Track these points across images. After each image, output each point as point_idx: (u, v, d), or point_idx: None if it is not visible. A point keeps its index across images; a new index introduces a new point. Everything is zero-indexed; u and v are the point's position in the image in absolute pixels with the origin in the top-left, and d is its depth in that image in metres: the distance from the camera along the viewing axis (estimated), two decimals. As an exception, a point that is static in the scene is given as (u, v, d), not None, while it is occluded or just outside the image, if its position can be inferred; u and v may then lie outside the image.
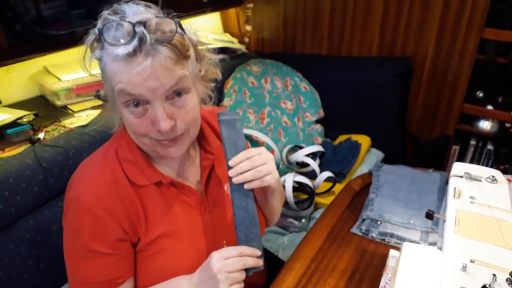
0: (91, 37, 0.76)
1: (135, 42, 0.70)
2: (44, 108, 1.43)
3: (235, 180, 0.82)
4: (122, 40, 0.71)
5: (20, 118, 1.24)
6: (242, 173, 0.82)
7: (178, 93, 0.77)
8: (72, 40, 1.44)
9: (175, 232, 0.87)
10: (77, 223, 0.81)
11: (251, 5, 2.35)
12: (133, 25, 0.71)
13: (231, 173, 0.82)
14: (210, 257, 0.81)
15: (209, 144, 0.95)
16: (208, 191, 0.93)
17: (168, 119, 0.76)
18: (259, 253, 0.83)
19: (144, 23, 0.71)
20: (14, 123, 1.22)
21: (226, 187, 0.98)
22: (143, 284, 0.87)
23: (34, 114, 1.30)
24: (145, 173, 0.84)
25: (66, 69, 1.50)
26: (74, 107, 1.46)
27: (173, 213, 0.87)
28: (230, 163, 0.83)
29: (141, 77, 0.71)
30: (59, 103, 1.45)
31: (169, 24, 0.74)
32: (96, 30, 0.74)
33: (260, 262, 0.82)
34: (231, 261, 0.79)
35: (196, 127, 0.85)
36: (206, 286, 0.80)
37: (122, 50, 0.70)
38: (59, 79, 1.44)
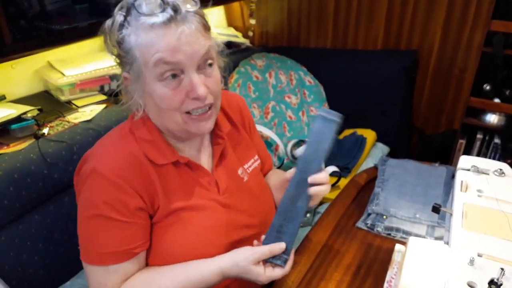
0: (118, 17, 0.80)
1: (170, 11, 0.76)
2: (48, 103, 1.42)
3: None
4: (157, 10, 0.76)
5: (25, 113, 1.24)
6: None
7: (207, 63, 0.82)
8: (76, 35, 1.44)
9: (193, 208, 0.88)
10: (95, 192, 0.81)
11: (255, -2, 2.34)
12: None
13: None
14: (258, 281, 0.83)
15: (220, 128, 0.96)
16: (220, 174, 0.95)
17: (203, 85, 0.80)
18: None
19: None
20: (18, 118, 1.22)
21: (241, 171, 0.98)
22: (156, 258, 0.87)
23: (39, 109, 1.30)
24: (163, 153, 0.86)
25: (70, 64, 1.50)
26: (78, 102, 1.45)
27: (190, 192, 0.89)
28: (310, 180, 0.86)
29: (179, 43, 0.77)
30: (63, 98, 1.45)
31: None
32: (124, 8, 0.79)
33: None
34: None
35: (219, 102, 0.89)
36: None
37: (160, 18, 0.76)
38: (63, 74, 1.43)
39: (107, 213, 0.80)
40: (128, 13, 0.78)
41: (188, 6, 0.79)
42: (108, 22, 0.82)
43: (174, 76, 0.79)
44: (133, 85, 0.84)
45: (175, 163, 0.88)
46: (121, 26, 0.79)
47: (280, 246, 0.84)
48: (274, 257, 0.84)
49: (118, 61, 0.85)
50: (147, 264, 0.88)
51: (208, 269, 0.84)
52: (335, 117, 0.87)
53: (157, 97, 0.81)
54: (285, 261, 0.85)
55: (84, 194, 0.83)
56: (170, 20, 0.76)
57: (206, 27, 0.83)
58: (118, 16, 0.80)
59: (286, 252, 0.85)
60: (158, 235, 0.87)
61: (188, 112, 0.83)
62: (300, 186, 0.87)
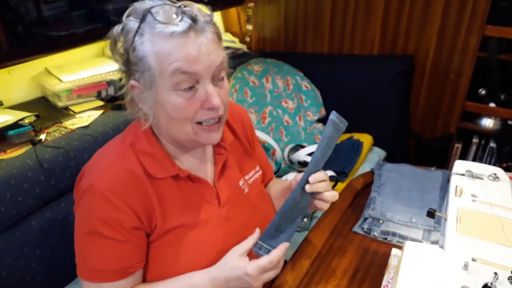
0: (131, 24, 0.78)
1: (188, 20, 0.76)
2: (46, 109, 1.43)
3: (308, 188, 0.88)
4: (175, 19, 0.75)
5: (22, 119, 1.25)
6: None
7: (220, 74, 0.82)
8: (73, 41, 1.45)
9: (191, 224, 0.87)
10: (90, 208, 0.80)
11: (252, 4, 2.35)
12: (180, 7, 0.77)
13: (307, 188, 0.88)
14: (245, 273, 0.81)
15: (223, 139, 0.95)
16: (222, 186, 0.94)
17: (218, 96, 0.80)
18: (287, 245, 0.86)
19: (188, 6, 0.78)
20: (15, 125, 1.22)
21: (242, 182, 0.98)
22: (154, 276, 0.87)
23: (36, 115, 1.31)
24: (163, 166, 0.85)
25: (67, 70, 1.50)
26: (75, 108, 1.46)
27: (189, 206, 0.88)
28: (310, 179, 0.87)
29: (197, 53, 0.76)
30: (60, 104, 1.45)
31: (206, 9, 0.82)
32: (137, 15, 0.77)
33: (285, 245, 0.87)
34: (268, 275, 0.83)
35: (227, 113, 0.88)
36: None
37: (180, 27, 0.75)
38: (60, 80, 1.44)
39: (102, 230, 0.79)
40: (143, 20, 0.77)
41: (204, 16, 0.79)
42: (117, 28, 0.80)
43: (187, 88, 0.78)
44: (142, 94, 0.81)
45: (175, 177, 0.87)
46: (135, 32, 0.77)
47: (256, 232, 0.86)
48: (257, 247, 0.86)
49: (124, 69, 0.83)
50: (144, 281, 0.88)
51: (198, 277, 0.85)
52: (344, 124, 0.91)
53: (170, 107, 0.79)
54: (268, 252, 0.85)
55: (80, 210, 0.83)
56: (189, 29, 0.75)
57: (219, 38, 0.83)
58: (131, 22, 0.78)
59: (272, 245, 0.86)
60: (155, 254, 0.86)
61: (199, 123, 0.82)
62: (304, 190, 0.89)
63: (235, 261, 0.83)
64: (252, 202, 0.98)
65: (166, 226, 0.85)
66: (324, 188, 0.89)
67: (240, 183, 0.98)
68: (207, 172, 0.95)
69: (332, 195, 0.92)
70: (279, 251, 0.84)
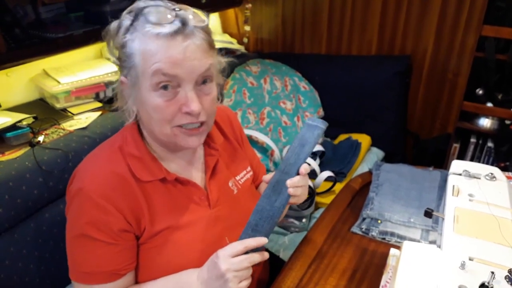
0: (125, 21, 0.80)
1: (178, 23, 0.76)
2: (44, 111, 1.43)
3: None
4: (165, 20, 0.76)
5: (20, 121, 1.24)
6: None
7: (204, 81, 0.82)
8: (71, 43, 1.45)
9: (180, 226, 0.88)
10: (79, 211, 0.82)
11: (249, 5, 2.35)
12: (174, 9, 0.78)
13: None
14: (217, 256, 0.81)
15: (213, 140, 0.97)
16: (212, 186, 0.94)
17: (198, 101, 0.79)
18: (264, 241, 0.83)
19: (183, 10, 0.79)
20: (13, 127, 1.22)
21: (231, 183, 0.99)
22: (145, 278, 0.87)
23: (34, 117, 1.30)
24: (150, 170, 0.86)
25: (65, 72, 1.50)
26: (74, 110, 1.46)
27: (178, 208, 0.89)
28: (289, 183, 0.87)
29: (181, 56, 0.76)
30: (58, 106, 1.45)
31: (202, 14, 0.82)
32: (133, 12, 0.79)
33: (265, 255, 0.84)
34: (238, 259, 0.80)
35: (212, 120, 0.88)
36: (215, 284, 0.80)
37: (167, 29, 0.76)
38: (59, 82, 1.44)
39: (91, 233, 0.80)
40: (136, 18, 0.78)
41: (197, 21, 0.79)
42: (114, 24, 0.82)
43: (165, 87, 0.78)
44: (128, 90, 0.84)
45: (163, 179, 0.87)
46: (127, 30, 0.79)
47: (259, 242, 0.82)
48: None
49: (118, 63, 0.85)
50: (137, 282, 0.88)
51: (186, 275, 0.85)
52: (320, 124, 0.91)
53: (149, 107, 0.80)
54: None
55: (70, 214, 0.84)
56: (177, 32, 0.76)
57: (211, 46, 0.82)
58: (126, 20, 0.80)
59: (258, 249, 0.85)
60: (145, 256, 0.86)
61: (179, 126, 0.82)
62: (278, 186, 0.88)
63: (214, 254, 0.82)
64: (241, 203, 0.99)
65: (155, 228, 0.85)
66: (304, 192, 0.91)
67: (230, 183, 0.99)
68: (197, 173, 0.95)
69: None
70: (252, 241, 0.82)
